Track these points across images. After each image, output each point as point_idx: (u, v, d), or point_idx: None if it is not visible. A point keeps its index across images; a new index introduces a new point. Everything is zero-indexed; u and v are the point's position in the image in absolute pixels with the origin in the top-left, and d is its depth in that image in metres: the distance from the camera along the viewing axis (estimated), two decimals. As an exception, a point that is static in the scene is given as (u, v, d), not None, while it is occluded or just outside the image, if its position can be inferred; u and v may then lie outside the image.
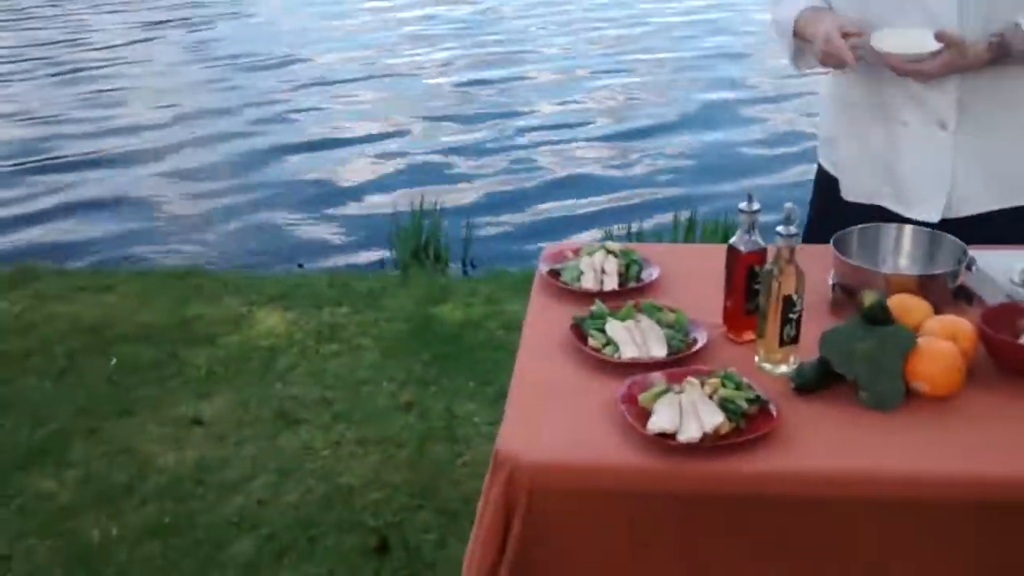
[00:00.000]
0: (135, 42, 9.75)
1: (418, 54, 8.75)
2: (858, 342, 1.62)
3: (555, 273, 2.06)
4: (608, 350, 1.77)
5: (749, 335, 1.81)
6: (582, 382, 1.72)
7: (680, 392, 1.59)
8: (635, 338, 1.78)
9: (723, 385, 1.60)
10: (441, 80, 7.96)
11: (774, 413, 1.56)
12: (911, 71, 1.97)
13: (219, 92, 7.84)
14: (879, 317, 1.62)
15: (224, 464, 2.98)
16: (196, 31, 10.34)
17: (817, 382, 1.65)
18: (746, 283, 1.79)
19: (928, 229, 1.99)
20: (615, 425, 1.57)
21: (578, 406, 1.64)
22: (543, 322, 1.92)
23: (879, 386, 1.61)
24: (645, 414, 1.57)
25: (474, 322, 3.92)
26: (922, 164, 2.11)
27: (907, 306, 1.77)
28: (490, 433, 3.11)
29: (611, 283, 2.00)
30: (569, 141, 6.51)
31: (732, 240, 1.79)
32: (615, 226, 4.83)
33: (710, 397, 1.58)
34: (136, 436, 3.08)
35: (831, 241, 1.95)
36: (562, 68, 8.37)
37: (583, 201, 5.54)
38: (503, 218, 5.38)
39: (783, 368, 1.71)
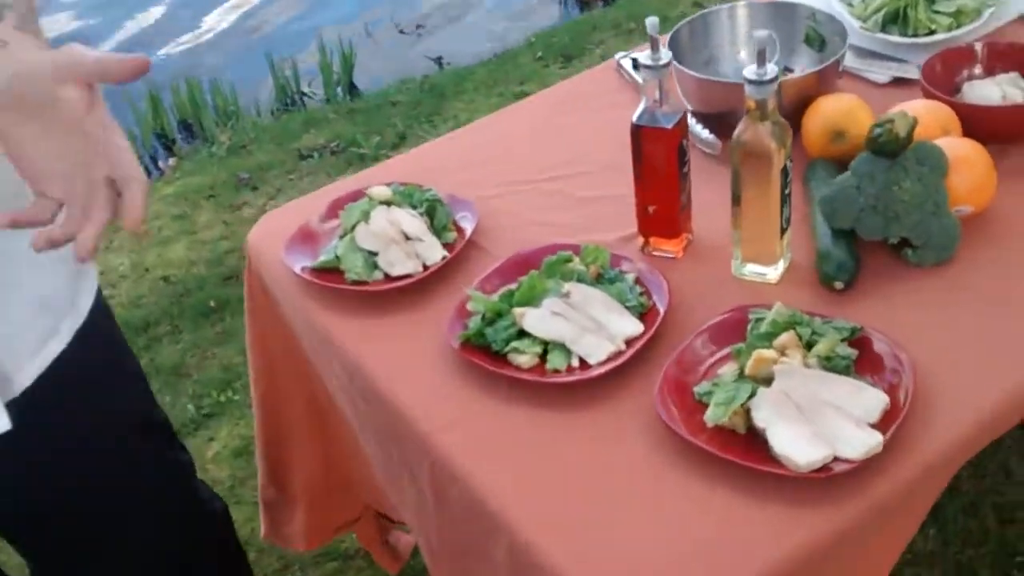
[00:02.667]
0: None
1: None
2: (891, 189, 1.16)
3: (327, 271, 1.30)
4: (555, 360, 1.12)
5: (684, 238, 1.27)
6: (562, 435, 1.08)
7: (765, 380, 1.03)
8: (583, 323, 1.15)
9: (799, 337, 1.07)
10: None
11: (888, 345, 1.07)
12: None
13: None
14: (905, 143, 1.17)
15: None
16: None
17: (857, 267, 1.18)
18: (678, 170, 1.22)
19: (761, 3, 1.54)
20: (709, 481, 0.98)
21: (617, 483, 1.02)
22: (390, 364, 1.20)
23: (933, 234, 1.17)
24: (744, 443, 1.00)
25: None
26: None
27: (851, 112, 1.34)
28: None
29: (434, 250, 1.31)
30: None
31: (637, 116, 1.20)
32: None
33: (805, 366, 1.04)
34: None
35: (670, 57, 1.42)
36: None
37: None
38: None
39: (781, 266, 1.21)
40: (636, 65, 1.62)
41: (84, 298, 1.13)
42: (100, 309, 1.16)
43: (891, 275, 1.19)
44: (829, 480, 0.95)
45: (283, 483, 1.56)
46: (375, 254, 1.30)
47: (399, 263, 1.28)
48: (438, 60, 4.15)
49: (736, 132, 1.14)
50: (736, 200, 1.18)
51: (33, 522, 1.15)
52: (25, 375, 1.05)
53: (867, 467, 0.96)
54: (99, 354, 1.15)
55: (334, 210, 1.39)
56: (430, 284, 1.27)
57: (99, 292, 1.17)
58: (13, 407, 1.01)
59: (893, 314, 1.14)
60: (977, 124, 1.29)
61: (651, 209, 1.24)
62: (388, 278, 1.28)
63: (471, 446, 1.08)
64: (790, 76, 1.42)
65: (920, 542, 1.80)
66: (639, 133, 1.20)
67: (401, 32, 4.49)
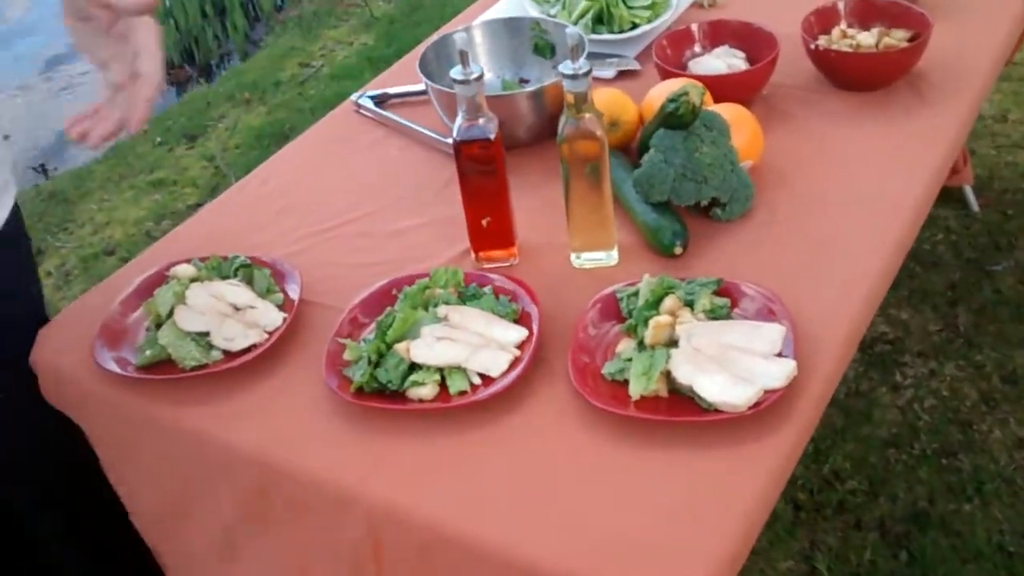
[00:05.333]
0: None
1: None
2: (694, 156, 1.29)
3: (153, 367, 1.22)
4: (456, 383, 1.14)
5: (517, 244, 1.33)
6: (495, 450, 1.09)
7: (669, 341, 1.11)
8: (471, 340, 1.17)
9: (678, 298, 1.16)
10: None
11: (751, 286, 1.19)
12: None
13: None
14: (698, 113, 1.31)
15: None
16: None
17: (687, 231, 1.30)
18: (506, 178, 1.28)
19: (491, 20, 1.63)
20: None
21: (573, 476, 1.05)
22: (276, 436, 1.15)
23: (736, 189, 1.33)
24: (671, 405, 1.08)
25: None
26: None
27: (619, 102, 1.46)
28: None
29: (272, 315, 1.26)
30: None
31: (457, 133, 1.24)
32: None
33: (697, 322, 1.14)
34: None
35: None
36: None
37: None
38: None
39: (616, 248, 1.31)
40: (378, 101, 1.66)
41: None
42: (15, 223, 1.32)
43: (709, 234, 1.32)
44: (765, 412, 1.05)
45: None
46: (205, 334, 1.23)
47: (239, 336, 1.22)
48: (41, 168, 3.87)
49: (560, 128, 1.21)
50: (568, 195, 1.25)
51: None
52: None
53: (790, 392, 1.06)
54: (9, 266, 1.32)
55: (133, 302, 1.30)
56: (279, 349, 1.23)
57: (15, 209, 1.32)
58: None
59: (727, 265, 1.26)
60: (721, 92, 1.47)
61: (485, 222, 1.28)
62: (230, 355, 1.22)
63: (407, 487, 1.06)
64: (548, 83, 1.49)
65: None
66: (462, 149, 1.23)
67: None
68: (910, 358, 2.29)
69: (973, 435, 2.10)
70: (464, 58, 1.19)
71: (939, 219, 2.60)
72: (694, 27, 1.60)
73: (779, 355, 1.09)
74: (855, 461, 2.09)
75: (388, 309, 1.21)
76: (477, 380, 1.14)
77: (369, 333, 1.20)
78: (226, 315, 1.24)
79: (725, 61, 1.55)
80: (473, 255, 1.32)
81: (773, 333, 1.10)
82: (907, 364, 2.27)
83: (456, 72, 1.20)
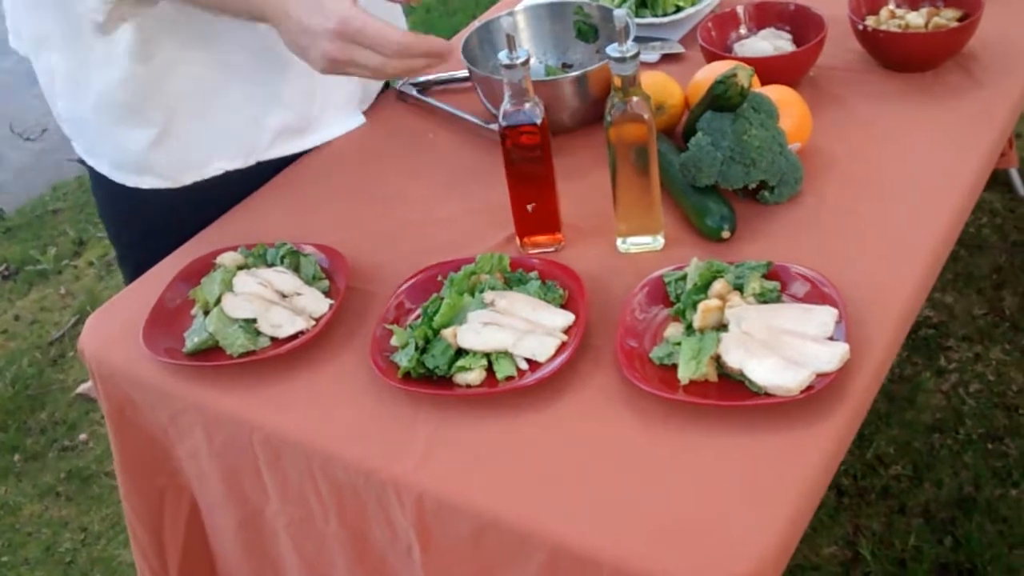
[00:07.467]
0: None
1: None
2: (742, 139, 1.27)
3: (200, 354, 1.21)
4: (503, 368, 1.12)
5: (560, 231, 1.31)
6: (543, 436, 1.08)
7: (718, 325, 1.09)
8: (518, 326, 1.15)
9: (727, 282, 1.14)
10: None
11: (801, 269, 1.17)
12: None
13: None
14: (746, 94, 1.28)
15: None
16: None
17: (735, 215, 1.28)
18: (552, 162, 1.26)
19: (534, 5, 1.61)
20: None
21: (622, 461, 1.04)
22: (323, 422, 1.14)
23: (785, 172, 1.30)
24: (720, 389, 1.06)
25: None
26: None
27: (666, 86, 1.44)
28: None
29: (319, 302, 1.26)
30: None
31: (503, 118, 1.22)
32: None
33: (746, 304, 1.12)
34: None
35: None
36: None
37: None
38: None
39: (663, 233, 1.28)
40: (421, 88, 1.65)
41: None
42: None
43: (757, 217, 1.30)
44: (817, 395, 1.02)
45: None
46: (252, 321, 1.22)
47: (287, 323, 1.22)
48: (81, 160, 3.89)
49: (607, 112, 1.19)
50: (615, 179, 1.23)
51: None
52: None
53: (842, 375, 1.04)
54: None
55: (181, 290, 1.30)
56: (326, 335, 1.22)
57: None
58: None
59: (775, 249, 1.23)
60: (768, 74, 1.44)
61: (530, 207, 1.26)
62: (277, 341, 1.21)
63: (456, 472, 1.05)
64: (593, 68, 1.47)
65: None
66: (508, 135, 1.22)
67: (27, 139, 4.17)
68: (955, 342, 2.25)
69: (1019, 419, 2.07)
70: (510, 42, 1.18)
71: (984, 202, 2.56)
72: (739, 9, 1.57)
73: (830, 338, 1.07)
74: (899, 446, 2.06)
75: (434, 295, 1.20)
76: (524, 365, 1.12)
77: (415, 319, 1.19)
78: (273, 302, 1.23)
79: (771, 43, 1.53)
80: (518, 241, 1.30)
81: (824, 316, 1.08)
82: (952, 348, 2.24)
83: (503, 56, 1.18)
